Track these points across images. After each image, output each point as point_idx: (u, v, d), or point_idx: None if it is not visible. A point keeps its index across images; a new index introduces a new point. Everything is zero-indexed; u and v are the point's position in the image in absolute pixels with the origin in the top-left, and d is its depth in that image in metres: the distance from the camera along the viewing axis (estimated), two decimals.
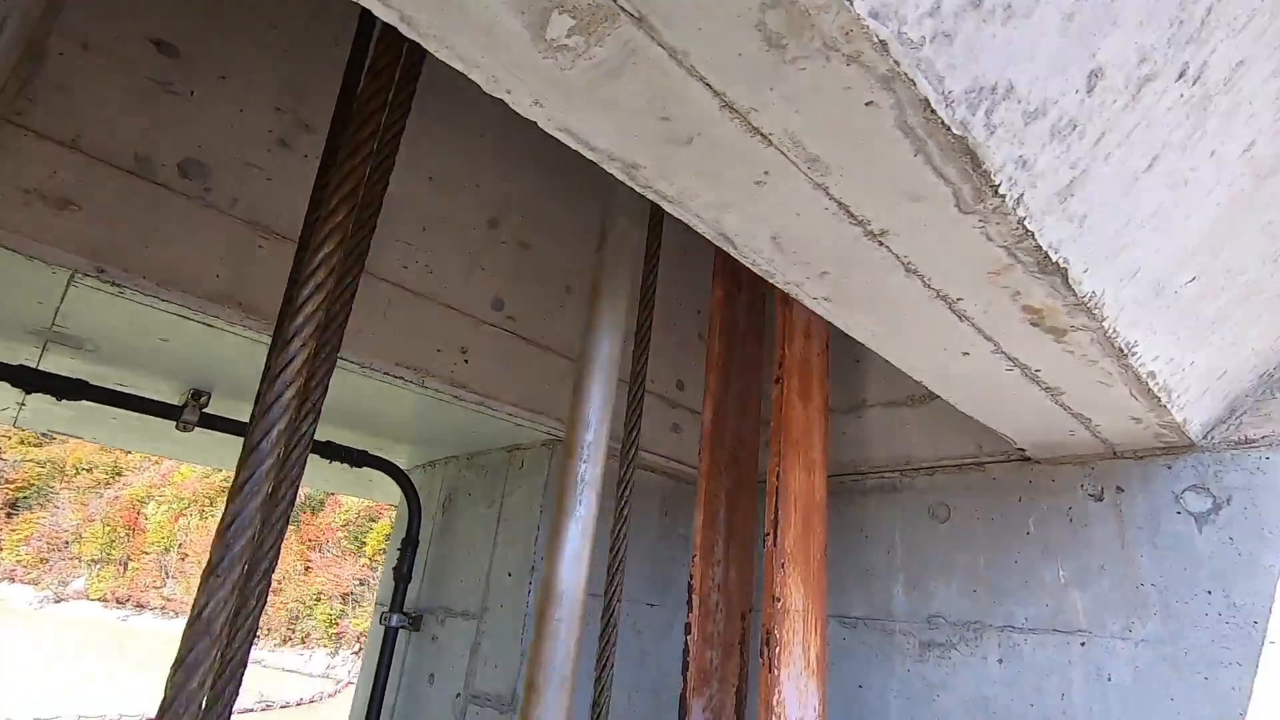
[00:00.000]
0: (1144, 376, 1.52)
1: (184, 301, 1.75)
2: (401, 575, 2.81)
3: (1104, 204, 1.12)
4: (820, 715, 1.90)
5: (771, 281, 1.30)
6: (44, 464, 43.03)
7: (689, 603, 2.05)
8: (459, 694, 2.49)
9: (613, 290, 1.77)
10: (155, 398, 2.50)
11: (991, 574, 2.16)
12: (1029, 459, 2.18)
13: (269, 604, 1.36)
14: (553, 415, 2.45)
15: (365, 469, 2.90)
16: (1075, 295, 1.21)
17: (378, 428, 2.81)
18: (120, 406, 2.39)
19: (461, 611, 2.64)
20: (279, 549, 1.27)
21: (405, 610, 2.80)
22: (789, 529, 1.95)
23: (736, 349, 2.35)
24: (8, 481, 40.60)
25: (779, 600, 1.86)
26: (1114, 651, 1.88)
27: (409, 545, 2.86)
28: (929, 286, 1.24)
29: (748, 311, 2.50)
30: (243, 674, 1.21)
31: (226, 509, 1.05)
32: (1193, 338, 1.53)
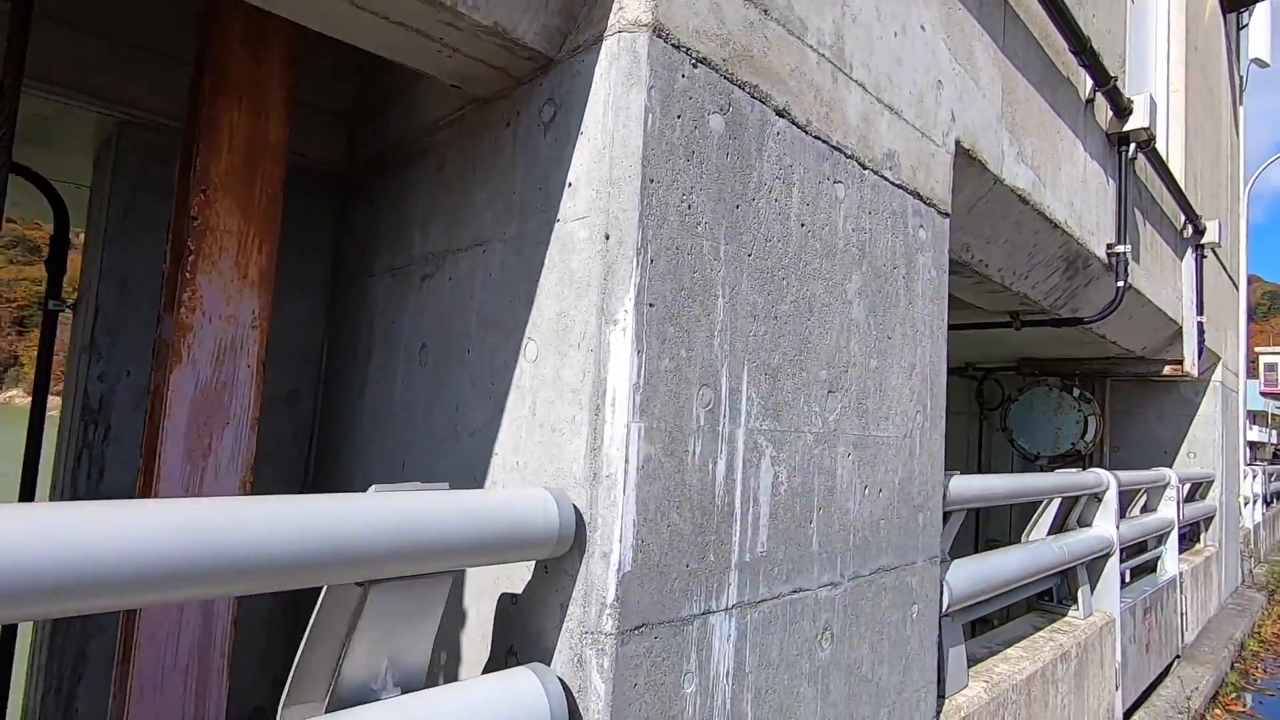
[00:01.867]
0: None
1: None
2: (53, 269, 3.18)
3: None
4: (260, 319, 2.28)
5: None
6: (39, 282, 44.18)
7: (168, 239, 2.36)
8: None
9: None
10: None
11: (458, 210, 2.44)
12: (485, 100, 2.36)
13: None
14: (105, 97, 2.64)
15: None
16: None
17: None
18: None
19: None
20: None
21: (61, 297, 3.20)
22: (218, 160, 2.19)
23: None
24: (9, 300, 42.23)
25: (196, 219, 2.15)
26: (495, 252, 2.20)
27: (58, 244, 3.20)
28: None
29: None
30: None
31: None
32: None
